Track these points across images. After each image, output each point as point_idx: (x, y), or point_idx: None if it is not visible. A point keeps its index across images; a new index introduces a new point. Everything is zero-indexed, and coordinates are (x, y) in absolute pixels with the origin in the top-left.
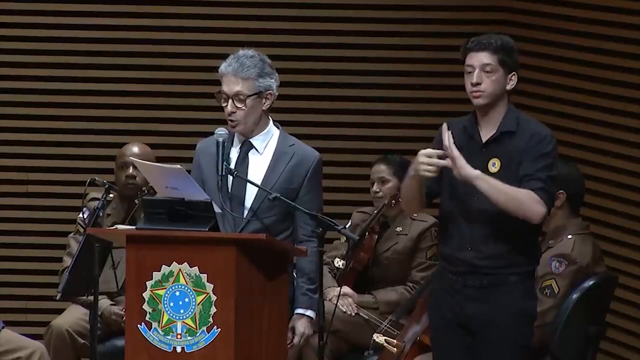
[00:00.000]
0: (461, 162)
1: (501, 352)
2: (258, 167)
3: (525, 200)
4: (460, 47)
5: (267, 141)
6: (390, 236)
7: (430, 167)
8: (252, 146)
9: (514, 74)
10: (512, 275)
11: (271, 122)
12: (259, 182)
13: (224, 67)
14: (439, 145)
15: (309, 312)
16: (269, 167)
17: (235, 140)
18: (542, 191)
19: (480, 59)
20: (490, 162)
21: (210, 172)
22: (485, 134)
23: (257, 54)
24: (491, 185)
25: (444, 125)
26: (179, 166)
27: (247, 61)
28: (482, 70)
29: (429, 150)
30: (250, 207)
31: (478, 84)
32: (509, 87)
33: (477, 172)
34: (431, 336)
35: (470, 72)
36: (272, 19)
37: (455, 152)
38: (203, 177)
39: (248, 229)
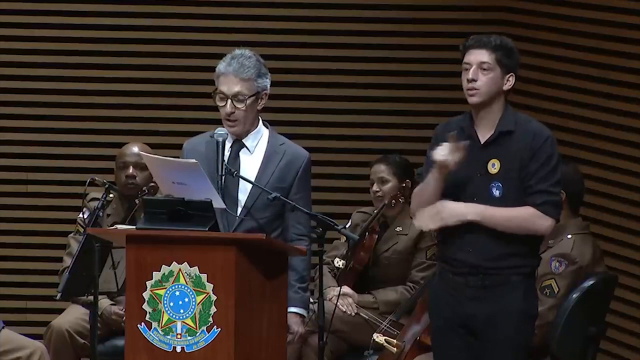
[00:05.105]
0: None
1: (503, 351)
2: (250, 166)
3: (526, 220)
4: (460, 46)
5: (258, 140)
6: (390, 236)
7: (448, 156)
8: (243, 145)
9: (511, 75)
10: (514, 275)
11: (261, 121)
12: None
13: (223, 66)
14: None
15: (302, 311)
16: (260, 166)
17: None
18: (546, 205)
19: (477, 56)
20: (490, 162)
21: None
22: (483, 134)
23: (253, 54)
24: (487, 218)
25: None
26: (194, 160)
27: (247, 62)
28: (478, 68)
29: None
30: (244, 205)
31: (473, 80)
32: (505, 87)
33: (468, 209)
34: (432, 337)
35: (467, 69)
36: (270, 19)
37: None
38: None
39: (242, 227)
